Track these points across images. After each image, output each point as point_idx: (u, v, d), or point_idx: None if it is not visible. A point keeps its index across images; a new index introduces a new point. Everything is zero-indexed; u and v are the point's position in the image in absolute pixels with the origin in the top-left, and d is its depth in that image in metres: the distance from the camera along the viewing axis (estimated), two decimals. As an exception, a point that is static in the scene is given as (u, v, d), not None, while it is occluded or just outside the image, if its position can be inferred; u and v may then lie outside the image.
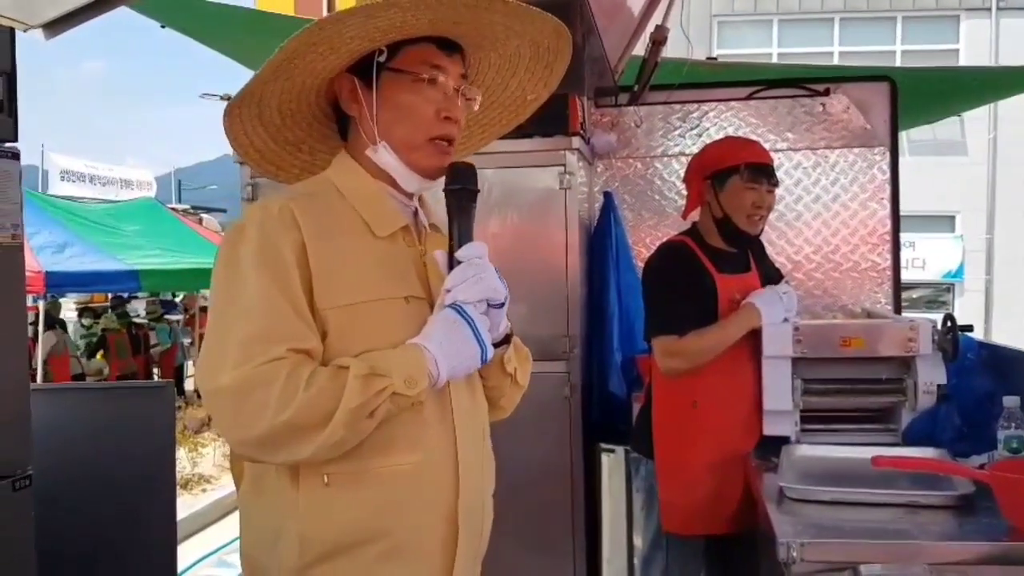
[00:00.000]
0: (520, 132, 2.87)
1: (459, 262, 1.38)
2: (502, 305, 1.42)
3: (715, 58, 6.39)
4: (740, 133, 3.49)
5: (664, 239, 2.82)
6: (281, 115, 1.46)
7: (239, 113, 1.41)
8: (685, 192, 2.72)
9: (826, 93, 3.51)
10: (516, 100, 1.62)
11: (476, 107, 1.49)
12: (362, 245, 1.39)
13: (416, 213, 1.51)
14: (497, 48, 1.51)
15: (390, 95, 1.40)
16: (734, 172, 2.52)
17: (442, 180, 1.45)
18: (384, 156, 1.42)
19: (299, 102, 1.45)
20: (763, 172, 2.53)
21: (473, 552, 1.47)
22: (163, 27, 4.78)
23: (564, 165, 2.92)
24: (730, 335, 2.43)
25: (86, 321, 12.22)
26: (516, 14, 1.41)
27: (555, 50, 1.52)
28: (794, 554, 1.70)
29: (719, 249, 2.57)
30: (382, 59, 1.39)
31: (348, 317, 1.34)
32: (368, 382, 1.27)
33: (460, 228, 1.41)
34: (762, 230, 2.60)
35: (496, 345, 1.44)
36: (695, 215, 2.66)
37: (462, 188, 1.42)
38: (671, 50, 3.60)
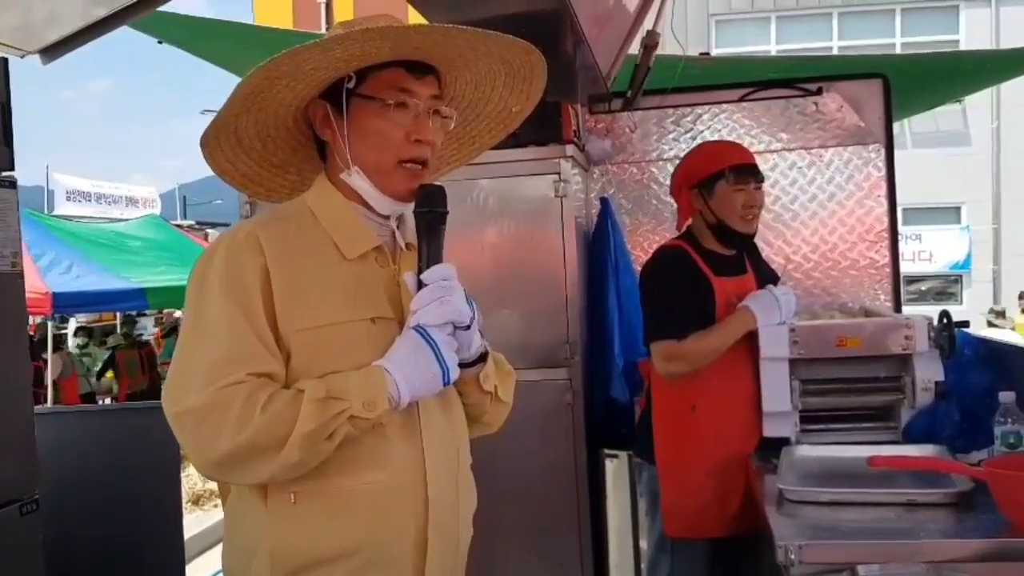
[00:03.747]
0: (514, 141, 2.92)
1: (425, 284, 1.39)
2: (468, 327, 1.43)
3: (707, 53, 6.39)
4: (734, 135, 3.50)
5: (662, 242, 2.83)
6: (262, 142, 1.48)
7: (217, 144, 1.43)
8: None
9: (819, 92, 3.51)
10: (501, 112, 1.62)
11: (451, 126, 1.51)
12: (328, 267, 1.41)
13: (394, 233, 1.51)
14: (469, 67, 1.51)
15: (360, 121, 1.41)
16: (719, 177, 2.54)
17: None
18: (357, 180, 1.44)
19: (277, 129, 1.47)
20: (748, 171, 2.55)
21: (447, 569, 1.47)
22: (160, 43, 4.82)
23: (559, 173, 2.94)
24: (727, 338, 2.45)
25: (80, 341, 12.25)
26: (477, 38, 1.41)
27: (529, 65, 1.52)
28: (792, 556, 1.71)
29: (715, 252, 2.59)
30: (351, 85, 1.40)
31: (311, 340, 1.36)
32: (325, 405, 1.29)
33: (429, 250, 1.42)
34: (756, 228, 2.61)
35: (471, 364, 1.46)
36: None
37: (430, 211, 1.43)
38: (667, 52, 3.61)
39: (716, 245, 2.59)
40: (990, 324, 11.33)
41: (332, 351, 1.36)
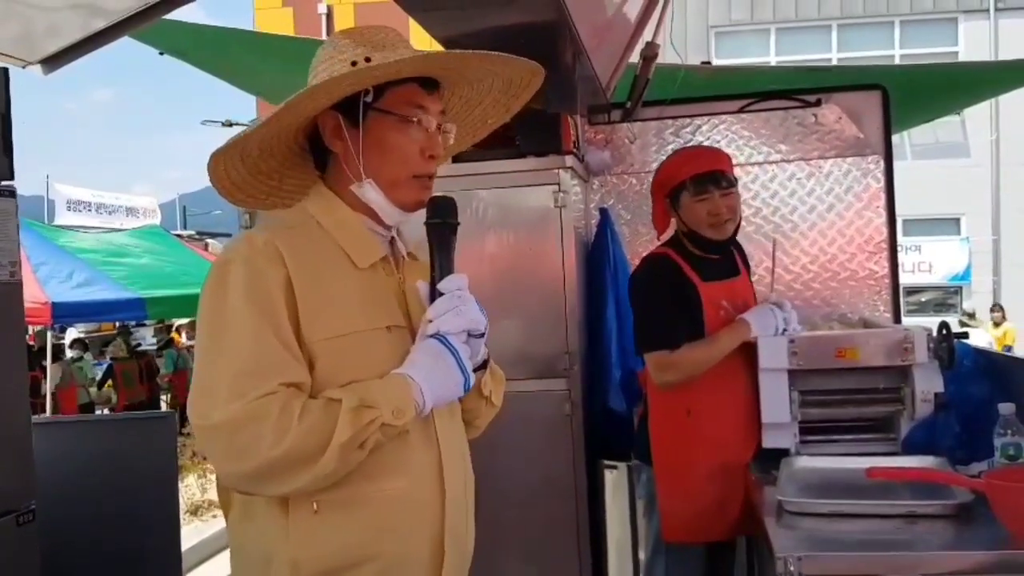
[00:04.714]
0: (514, 152, 2.94)
1: (441, 294, 1.42)
2: (482, 335, 1.46)
3: (708, 62, 6.42)
4: (733, 146, 3.51)
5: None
6: (260, 149, 1.48)
7: (223, 152, 1.44)
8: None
9: (818, 104, 3.52)
10: (476, 124, 1.66)
11: (452, 141, 1.54)
12: (344, 277, 1.42)
13: (393, 242, 1.54)
14: (473, 85, 1.56)
15: (376, 134, 1.43)
16: (683, 188, 2.55)
17: (420, 212, 1.48)
18: (369, 192, 1.45)
19: (279, 138, 1.48)
20: (709, 180, 2.53)
21: (458, 572, 1.50)
22: (161, 54, 4.82)
23: (558, 183, 2.94)
24: (721, 348, 2.46)
25: (74, 355, 12.24)
26: (501, 61, 1.46)
27: (525, 85, 1.57)
28: (792, 568, 1.71)
29: (702, 257, 2.58)
30: (368, 99, 1.42)
31: (335, 349, 1.37)
32: (358, 414, 1.29)
33: (441, 260, 1.45)
34: (733, 233, 2.58)
35: (475, 371, 1.48)
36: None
37: (443, 222, 1.46)
38: (667, 63, 3.61)
39: (698, 250, 2.59)
40: (963, 325, 11.53)
41: (353, 360, 1.38)
